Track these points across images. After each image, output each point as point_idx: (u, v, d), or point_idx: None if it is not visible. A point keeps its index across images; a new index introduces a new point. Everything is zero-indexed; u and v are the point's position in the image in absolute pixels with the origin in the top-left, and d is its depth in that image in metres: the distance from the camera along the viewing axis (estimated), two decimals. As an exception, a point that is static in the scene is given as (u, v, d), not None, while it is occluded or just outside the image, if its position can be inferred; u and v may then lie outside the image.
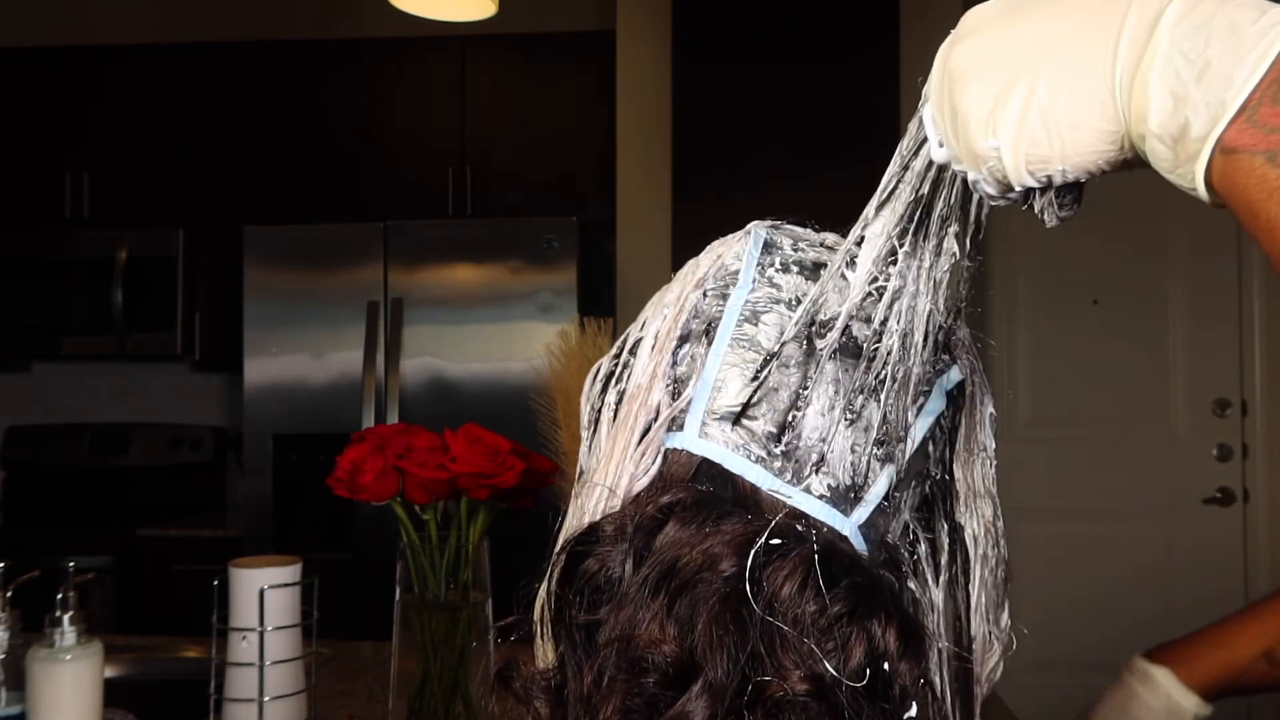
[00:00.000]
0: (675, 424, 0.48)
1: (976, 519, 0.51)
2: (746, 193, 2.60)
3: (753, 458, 0.46)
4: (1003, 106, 0.42)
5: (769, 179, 2.61)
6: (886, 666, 0.40)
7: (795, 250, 0.51)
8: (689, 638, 0.40)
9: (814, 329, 0.47)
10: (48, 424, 3.27)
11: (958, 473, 0.51)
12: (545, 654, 0.46)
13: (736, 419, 0.47)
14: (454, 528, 1.12)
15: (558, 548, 0.47)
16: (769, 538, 0.42)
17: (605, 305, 2.82)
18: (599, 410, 0.52)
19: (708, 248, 0.53)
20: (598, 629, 0.43)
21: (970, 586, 0.51)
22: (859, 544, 0.47)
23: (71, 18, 3.30)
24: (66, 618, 1.04)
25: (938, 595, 0.51)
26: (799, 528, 0.43)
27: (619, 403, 0.50)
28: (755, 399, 0.47)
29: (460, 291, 2.63)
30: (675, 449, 0.48)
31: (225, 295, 2.92)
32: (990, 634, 0.51)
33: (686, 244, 2.78)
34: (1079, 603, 2.85)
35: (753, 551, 0.41)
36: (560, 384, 1.16)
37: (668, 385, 0.48)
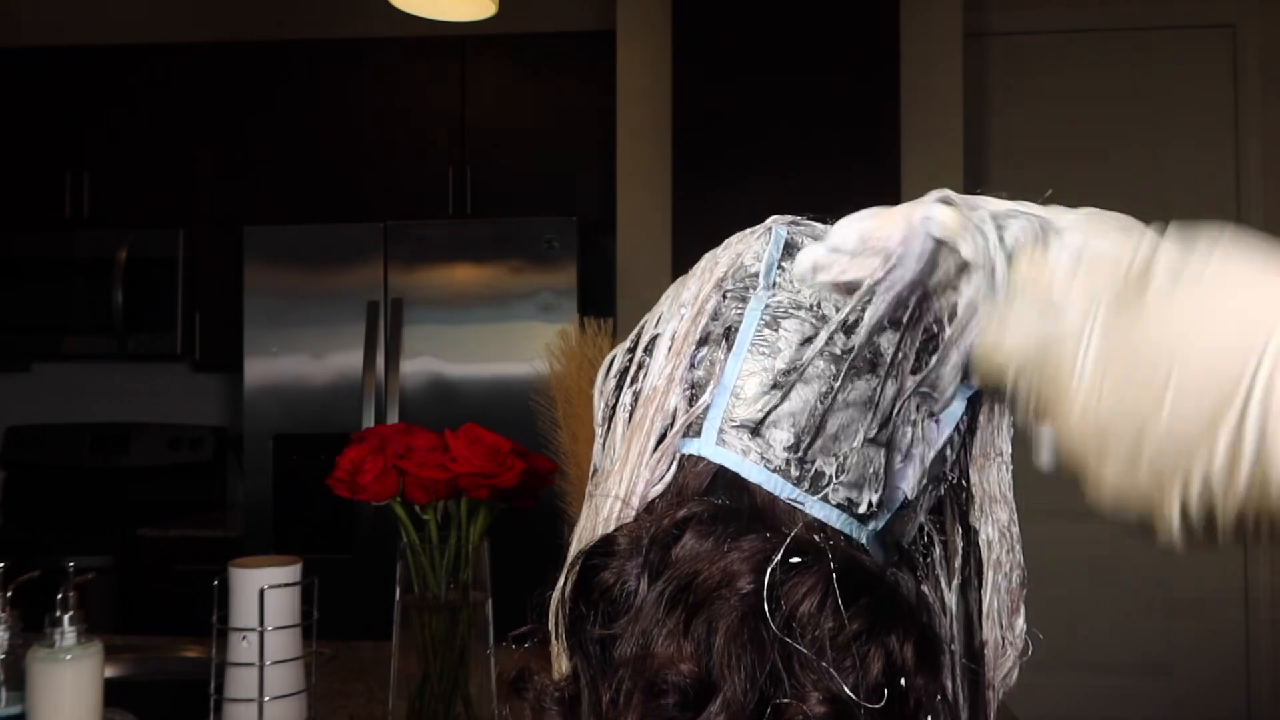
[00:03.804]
0: (692, 430, 0.47)
1: (991, 524, 0.51)
2: (747, 192, 2.60)
3: (771, 467, 0.46)
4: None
5: (769, 178, 2.61)
6: (903, 681, 0.40)
7: None
8: (706, 656, 0.40)
9: (835, 336, 0.47)
10: (48, 424, 3.27)
11: (974, 477, 0.51)
12: (560, 663, 0.46)
13: (756, 427, 0.46)
14: (454, 528, 1.12)
15: (570, 558, 0.47)
16: (788, 555, 0.41)
17: (605, 305, 2.82)
18: (613, 407, 0.51)
19: (726, 242, 0.52)
20: (614, 643, 0.42)
21: (983, 591, 0.51)
22: (875, 551, 0.47)
23: (72, 18, 3.29)
24: (66, 618, 1.04)
25: (950, 598, 0.51)
26: (816, 539, 0.43)
27: (634, 404, 0.49)
28: (775, 407, 0.46)
29: (460, 291, 2.62)
30: (691, 455, 0.47)
31: (225, 295, 2.92)
32: (1004, 639, 0.51)
33: (686, 244, 2.77)
34: (1078, 602, 2.85)
35: (770, 569, 0.41)
36: (560, 384, 1.16)
37: (685, 390, 0.48)
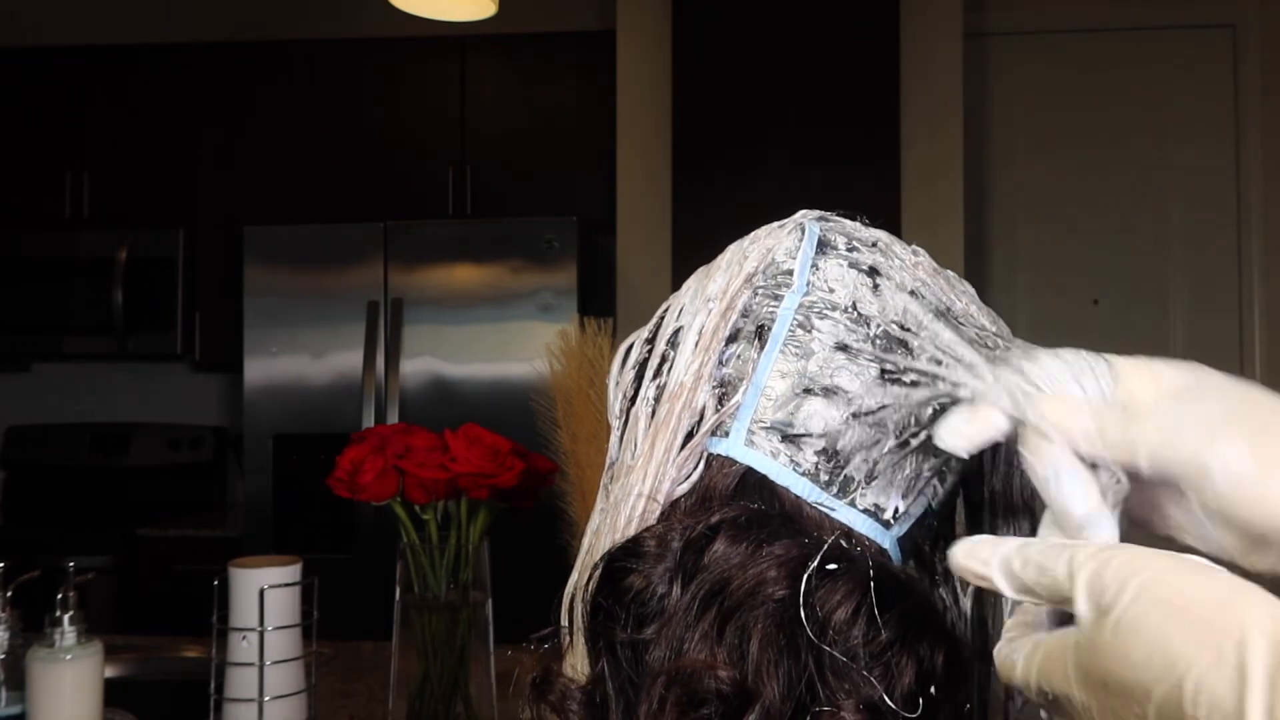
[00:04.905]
0: (720, 429, 0.46)
1: (1012, 532, 0.50)
2: (747, 192, 2.60)
3: (800, 470, 0.45)
4: None
5: (769, 178, 2.61)
6: (934, 689, 0.40)
7: (850, 251, 0.48)
8: (741, 662, 0.40)
9: (868, 339, 0.46)
10: (48, 424, 3.27)
11: (997, 486, 0.50)
12: (581, 664, 0.45)
13: (786, 430, 0.45)
14: (454, 528, 1.12)
15: (583, 553, 0.46)
16: (823, 561, 0.41)
17: (605, 305, 2.82)
18: (632, 399, 0.50)
19: (753, 235, 0.50)
20: (642, 647, 0.42)
21: (1005, 600, 0.50)
22: (895, 555, 0.46)
23: (72, 18, 3.29)
24: (66, 618, 1.04)
25: (966, 603, 0.50)
26: (844, 544, 0.42)
27: (658, 398, 0.48)
28: (805, 412, 0.45)
29: (460, 291, 2.62)
30: (719, 455, 0.46)
31: (225, 295, 2.92)
32: None
33: (686, 244, 2.75)
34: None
35: (806, 575, 0.40)
36: (560, 384, 1.16)
37: (713, 387, 0.46)
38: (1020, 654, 0.36)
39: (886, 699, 0.39)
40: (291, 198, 2.97)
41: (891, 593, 0.41)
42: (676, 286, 0.53)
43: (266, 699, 1.07)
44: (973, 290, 0.52)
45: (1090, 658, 0.33)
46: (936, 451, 0.46)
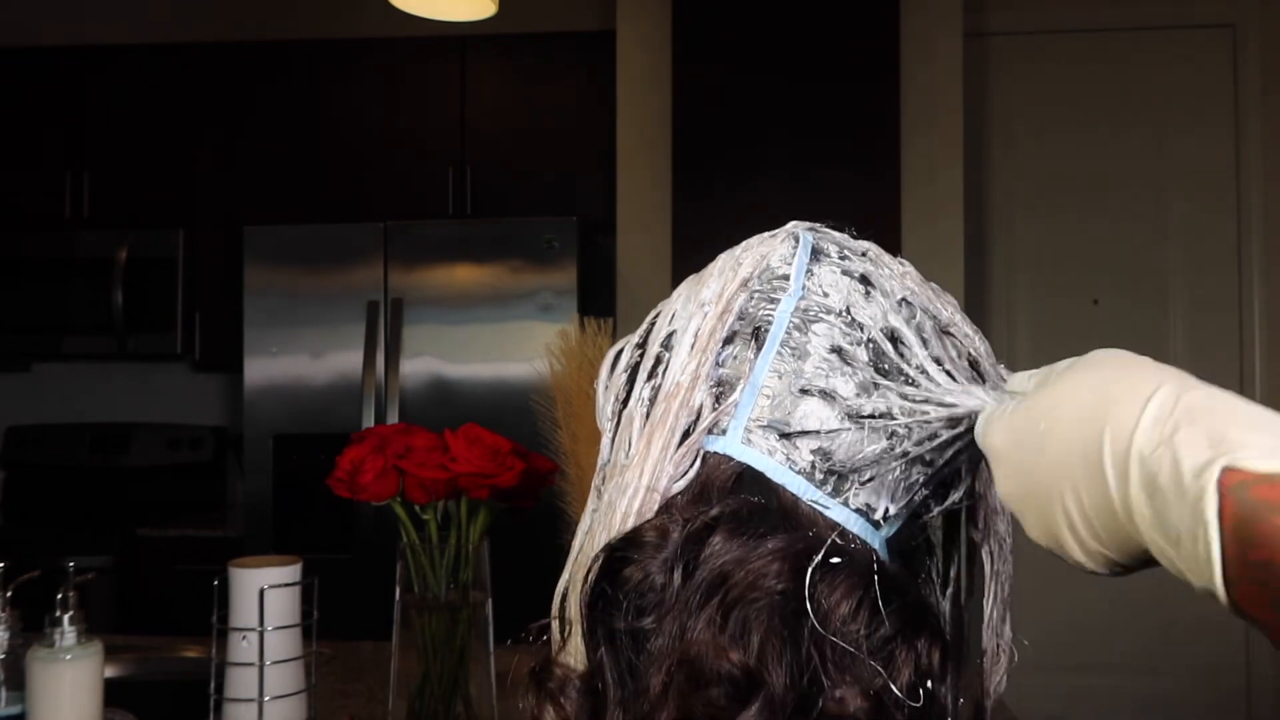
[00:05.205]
0: (716, 427, 0.47)
1: (993, 536, 0.51)
2: (747, 192, 2.60)
3: (795, 468, 0.46)
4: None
5: (769, 178, 2.61)
6: (930, 684, 0.41)
7: (843, 259, 0.50)
8: (744, 652, 0.40)
9: (863, 343, 0.47)
10: (48, 424, 3.27)
11: (978, 489, 0.51)
12: (575, 655, 0.46)
13: (783, 429, 0.46)
14: (454, 528, 1.12)
15: (576, 549, 0.47)
16: (827, 555, 0.42)
17: (605, 305, 2.82)
18: (624, 402, 0.50)
19: (745, 244, 0.52)
20: (642, 636, 0.43)
21: (984, 601, 0.51)
22: (883, 555, 0.47)
23: (71, 18, 3.29)
24: (66, 618, 1.04)
25: (944, 606, 0.51)
26: (839, 541, 0.43)
27: (653, 398, 0.49)
28: (802, 411, 0.46)
29: (460, 291, 2.62)
30: (715, 453, 0.47)
31: (225, 295, 2.92)
32: (999, 647, 0.51)
33: (686, 244, 2.74)
34: (1078, 603, 2.85)
35: (810, 569, 0.41)
36: (560, 384, 1.16)
37: (710, 387, 0.47)
38: (983, 416, 0.45)
39: (892, 688, 0.40)
40: (291, 198, 2.97)
41: (891, 588, 0.42)
42: (677, 286, 0.54)
43: (266, 699, 1.07)
44: (955, 301, 0.53)
45: (1023, 416, 0.43)
46: (925, 458, 0.47)
